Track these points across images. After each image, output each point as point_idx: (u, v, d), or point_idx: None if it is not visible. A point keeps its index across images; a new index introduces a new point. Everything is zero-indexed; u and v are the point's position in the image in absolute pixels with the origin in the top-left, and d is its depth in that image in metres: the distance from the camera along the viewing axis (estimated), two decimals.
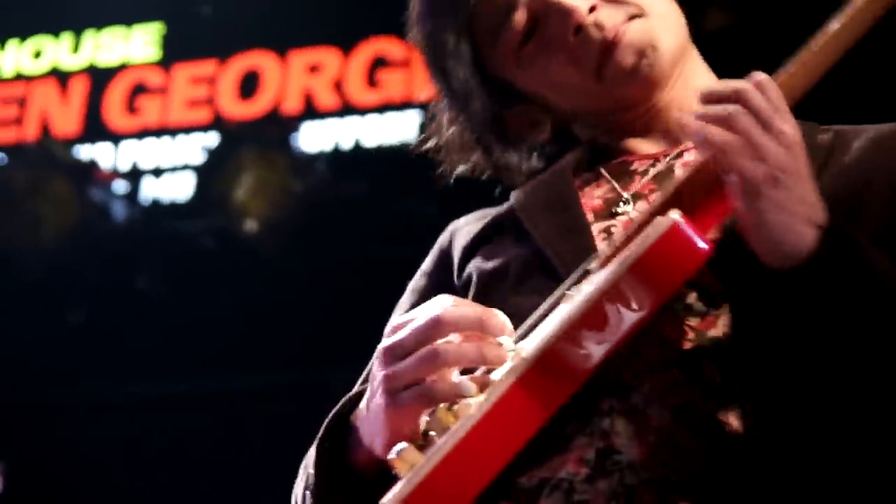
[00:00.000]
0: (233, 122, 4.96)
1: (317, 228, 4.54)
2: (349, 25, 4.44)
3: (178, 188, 4.96)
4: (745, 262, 1.35)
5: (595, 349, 1.29)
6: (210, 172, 4.82)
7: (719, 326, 1.41)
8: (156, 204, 5.00)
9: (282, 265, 4.69)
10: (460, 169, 1.66)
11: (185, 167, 4.93)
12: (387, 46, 4.45)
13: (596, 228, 1.51)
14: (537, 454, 1.33)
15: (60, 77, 5.20)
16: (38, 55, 5.27)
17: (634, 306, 1.28)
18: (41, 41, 5.26)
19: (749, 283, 1.38)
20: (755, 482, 1.31)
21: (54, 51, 5.25)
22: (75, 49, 5.24)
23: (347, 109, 4.93)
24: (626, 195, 1.54)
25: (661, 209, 1.32)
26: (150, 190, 5.01)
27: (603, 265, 1.37)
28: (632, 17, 1.52)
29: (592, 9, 1.50)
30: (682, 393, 1.36)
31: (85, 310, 4.99)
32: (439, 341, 1.30)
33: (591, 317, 1.28)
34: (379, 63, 4.47)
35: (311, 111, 4.83)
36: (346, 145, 4.73)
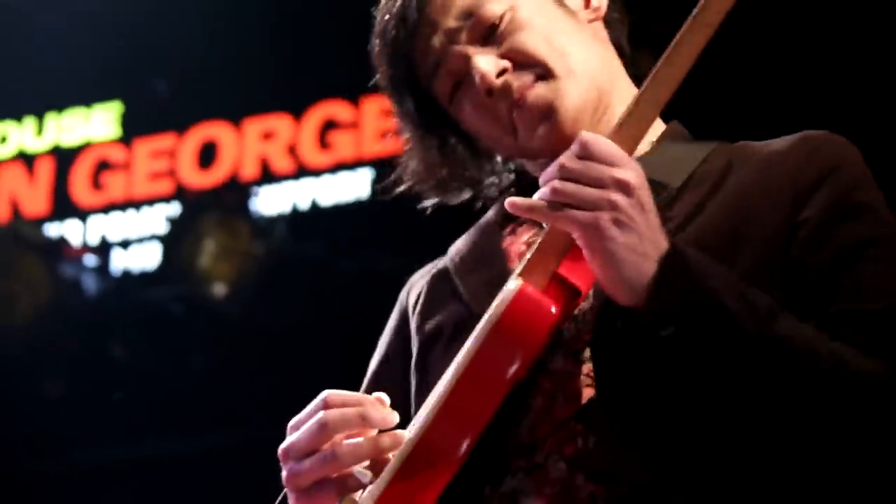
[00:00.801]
0: (193, 192, 5.02)
1: (279, 288, 4.64)
2: (299, 91, 4.53)
3: (146, 258, 5.01)
4: (607, 308, 1.40)
5: (473, 418, 1.36)
6: (175, 241, 4.88)
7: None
8: (126, 274, 5.05)
9: (248, 327, 4.72)
10: (432, 199, 1.73)
11: (152, 237, 4.98)
12: (336, 109, 4.54)
13: None
14: None
15: (26, 159, 5.25)
16: (3, 140, 5.34)
17: (494, 375, 1.35)
18: (6, 126, 5.34)
19: (606, 325, 1.42)
20: None
21: (19, 135, 5.32)
22: (39, 132, 5.30)
23: (302, 172, 4.88)
24: None
25: (526, 271, 1.38)
26: (119, 261, 5.05)
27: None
28: (540, 78, 1.58)
29: (503, 71, 1.57)
30: (579, 443, 1.39)
31: (63, 381, 5.01)
32: (337, 441, 1.37)
33: (456, 398, 1.35)
34: (329, 125, 4.56)
35: (268, 176, 4.89)
36: (303, 206, 4.80)
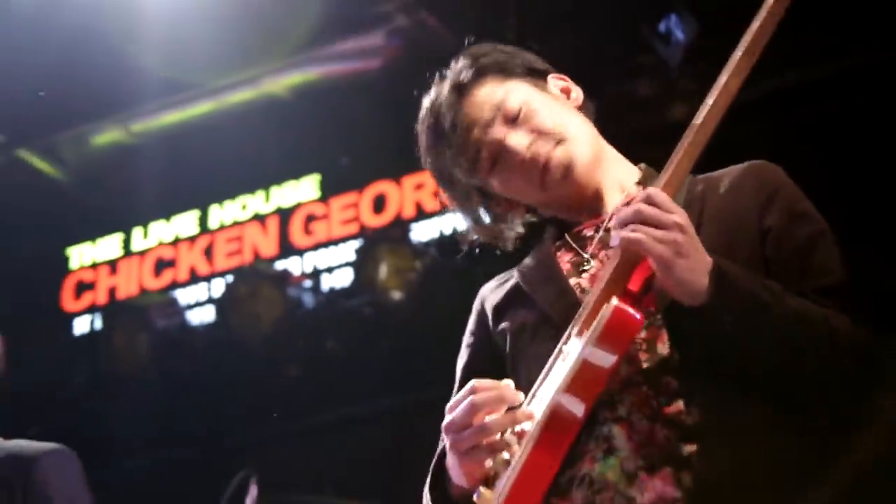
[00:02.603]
0: (371, 230, 5.69)
1: (434, 293, 5.18)
2: None
3: (343, 279, 5.72)
4: (675, 307, 1.54)
5: (582, 401, 1.51)
6: (362, 265, 5.57)
7: (664, 346, 1.59)
8: (331, 291, 5.76)
9: (415, 321, 5.30)
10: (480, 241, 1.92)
11: (346, 264, 5.70)
12: None
13: (571, 284, 1.71)
14: (565, 458, 1.53)
15: (260, 219, 6.06)
16: (244, 208, 6.15)
17: (603, 365, 1.50)
18: (245, 199, 6.15)
19: (678, 319, 1.56)
20: (707, 453, 1.53)
21: (253, 203, 6.13)
22: (267, 199, 6.11)
23: (444, 210, 4.92)
24: (586, 256, 1.74)
25: (608, 288, 1.54)
26: (326, 283, 5.79)
27: (580, 332, 1.55)
28: (558, 142, 1.75)
29: (531, 143, 1.75)
30: (651, 402, 1.59)
31: (296, 368, 5.75)
32: (485, 418, 1.53)
33: (575, 382, 1.50)
34: None
35: (422, 214, 5.53)
36: (447, 232, 5.30)
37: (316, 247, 5.85)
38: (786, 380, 1.56)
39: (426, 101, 1.85)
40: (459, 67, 1.83)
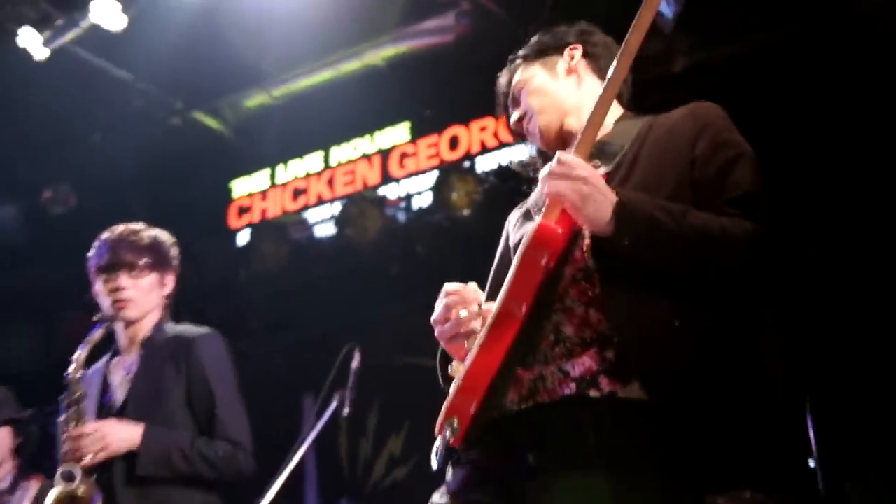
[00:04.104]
0: (446, 163, 5.98)
1: (494, 209, 5.03)
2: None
3: (426, 200, 6.01)
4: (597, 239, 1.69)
5: (526, 291, 1.64)
6: (439, 189, 5.79)
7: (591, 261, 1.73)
8: (419, 209, 6.08)
9: (478, 231, 5.32)
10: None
11: (429, 189, 5.99)
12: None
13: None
14: (526, 345, 1.68)
15: (367, 157, 6.37)
16: (355, 149, 6.38)
17: (543, 262, 1.65)
18: (356, 142, 6.38)
19: (596, 241, 1.71)
20: (622, 335, 1.65)
21: (362, 145, 6.36)
22: (372, 142, 6.37)
23: (503, 145, 5.63)
24: None
25: (544, 218, 1.68)
26: (415, 203, 6.17)
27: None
28: (539, 113, 2.01)
29: (520, 118, 2.04)
30: (587, 293, 1.72)
31: (394, 266, 5.99)
32: (454, 313, 1.71)
33: (518, 278, 1.66)
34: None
35: (484, 149, 5.75)
36: (504, 164, 5.47)
37: (408, 176, 6.21)
38: (691, 278, 1.63)
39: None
40: (515, 56, 2.08)
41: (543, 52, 2.05)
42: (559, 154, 1.66)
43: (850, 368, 4.43)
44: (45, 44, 5.30)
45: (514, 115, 2.00)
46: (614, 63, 1.73)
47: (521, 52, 2.08)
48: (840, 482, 3.96)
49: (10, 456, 4.04)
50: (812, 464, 3.72)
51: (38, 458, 3.13)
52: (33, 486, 3.15)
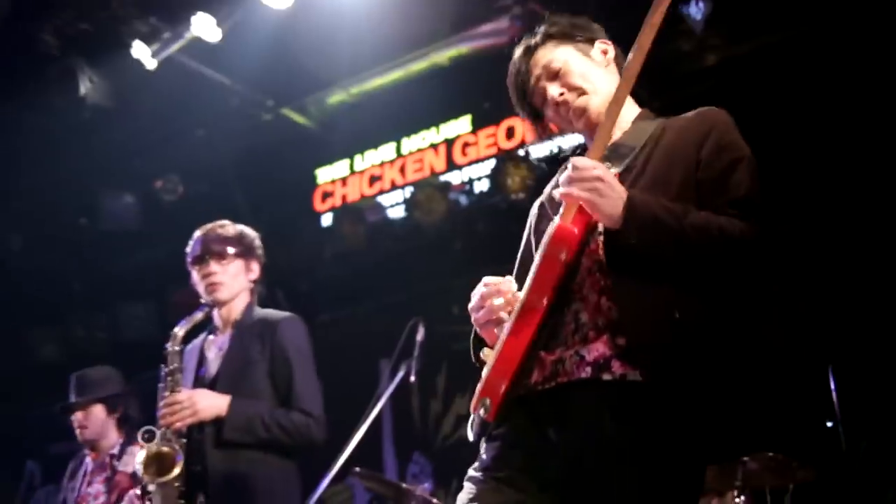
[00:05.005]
0: (502, 151, 6.12)
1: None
2: None
3: (485, 185, 6.22)
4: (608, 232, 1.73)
5: (547, 285, 1.68)
6: (496, 176, 5.96)
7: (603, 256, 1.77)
8: (480, 193, 6.28)
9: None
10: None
11: (488, 175, 6.17)
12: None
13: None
14: (549, 330, 1.74)
15: (434, 146, 6.52)
16: (423, 139, 6.55)
17: (562, 258, 1.70)
18: (424, 133, 6.56)
19: (609, 235, 1.75)
20: (631, 322, 1.70)
21: (429, 135, 6.52)
22: (438, 133, 6.55)
23: (552, 136, 5.26)
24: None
25: (562, 219, 1.73)
26: (476, 188, 6.35)
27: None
28: (581, 95, 2.00)
29: (562, 93, 2.00)
30: (600, 282, 1.78)
31: (458, 243, 6.18)
32: (488, 302, 1.76)
33: (540, 272, 1.72)
34: None
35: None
36: (555, 151, 4.27)
37: (469, 164, 6.45)
38: (691, 272, 1.67)
39: (514, 55, 2.02)
40: (534, 34, 2.03)
41: (570, 37, 2.05)
42: (573, 160, 1.74)
43: (872, 337, 4.61)
44: (154, 55, 5.87)
45: (554, 89, 1.98)
46: (629, 59, 1.81)
47: (545, 30, 2.07)
48: (858, 441, 4.12)
49: (113, 427, 4.44)
50: (830, 424, 3.92)
51: (144, 424, 3.35)
52: (137, 451, 3.35)
